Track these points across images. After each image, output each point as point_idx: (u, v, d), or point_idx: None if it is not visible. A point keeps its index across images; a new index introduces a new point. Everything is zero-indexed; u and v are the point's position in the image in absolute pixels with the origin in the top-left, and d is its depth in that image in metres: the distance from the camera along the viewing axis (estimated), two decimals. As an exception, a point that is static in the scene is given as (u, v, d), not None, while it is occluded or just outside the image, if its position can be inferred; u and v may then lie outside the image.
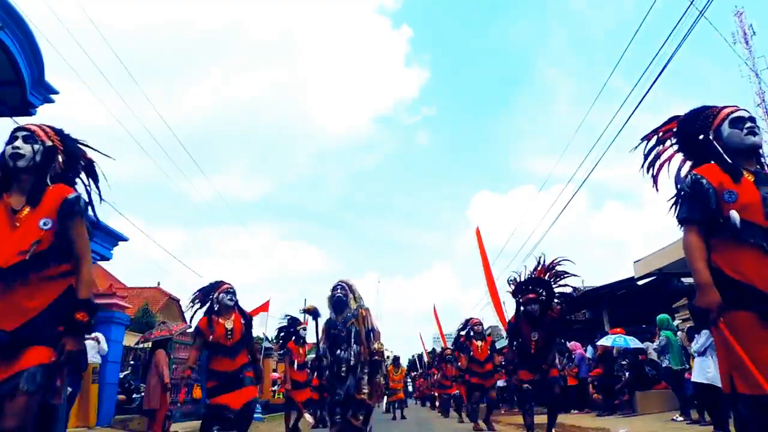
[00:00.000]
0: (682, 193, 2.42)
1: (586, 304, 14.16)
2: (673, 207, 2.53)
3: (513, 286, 5.85)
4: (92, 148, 2.70)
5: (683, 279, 11.42)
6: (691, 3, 6.72)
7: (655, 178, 2.77)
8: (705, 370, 6.11)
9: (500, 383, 12.20)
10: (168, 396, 7.73)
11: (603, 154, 11.39)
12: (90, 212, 2.61)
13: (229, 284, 5.35)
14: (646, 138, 2.82)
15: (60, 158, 2.52)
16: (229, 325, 5.08)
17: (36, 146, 2.39)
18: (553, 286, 5.71)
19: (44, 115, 8.18)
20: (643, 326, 12.93)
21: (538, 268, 5.81)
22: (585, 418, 9.47)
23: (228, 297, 5.19)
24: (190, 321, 5.45)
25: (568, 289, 5.84)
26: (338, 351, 5.15)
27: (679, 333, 8.74)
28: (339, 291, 5.35)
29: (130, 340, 11.70)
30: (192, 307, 5.40)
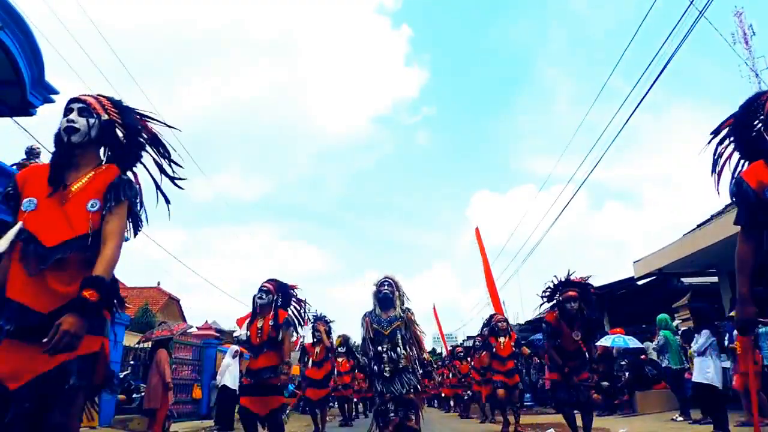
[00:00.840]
0: (732, 199, 2.31)
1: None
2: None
3: (549, 288, 5.71)
4: (155, 120, 2.45)
5: (683, 279, 11.45)
6: (691, 3, 6.73)
7: (717, 181, 2.58)
8: (705, 371, 6.12)
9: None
10: (169, 396, 7.71)
11: (603, 154, 11.45)
12: (167, 188, 2.44)
13: (267, 282, 5.39)
14: (714, 133, 2.62)
15: (119, 132, 2.31)
16: (260, 324, 5.16)
17: (92, 120, 2.20)
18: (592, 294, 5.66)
19: (44, 115, 8.19)
20: (643, 326, 12.94)
21: (579, 279, 5.77)
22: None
23: (258, 295, 5.28)
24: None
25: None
26: (380, 348, 5.10)
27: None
28: (386, 287, 5.31)
29: (130, 340, 11.69)
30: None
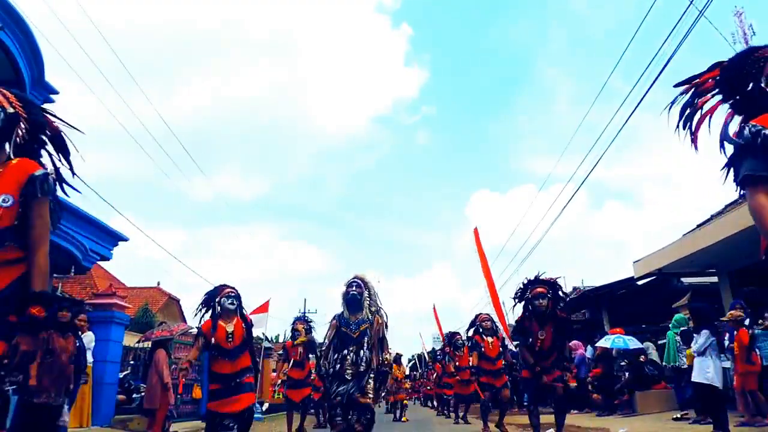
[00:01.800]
0: (742, 147, 2.05)
1: (586, 304, 14.17)
2: (727, 168, 2.17)
3: (519, 288, 5.73)
4: (59, 118, 2.39)
5: (683, 279, 11.44)
6: (691, 3, 6.72)
7: (693, 136, 2.41)
8: (705, 371, 6.11)
9: None
10: (169, 395, 7.70)
11: (603, 153, 11.44)
12: (59, 191, 2.33)
13: (231, 288, 5.40)
14: (682, 86, 2.46)
15: (22, 127, 2.20)
16: (230, 328, 5.16)
17: None
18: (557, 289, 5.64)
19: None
20: (643, 326, 12.94)
21: (541, 276, 5.77)
22: (585, 418, 9.46)
23: (229, 301, 5.26)
24: (200, 321, 5.43)
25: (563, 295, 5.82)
26: (345, 351, 5.00)
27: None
28: (354, 288, 5.18)
29: (130, 340, 11.69)
30: (199, 311, 5.43)
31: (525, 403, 13.92)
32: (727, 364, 7.12)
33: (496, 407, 8.25)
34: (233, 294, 5.33)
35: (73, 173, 2.41)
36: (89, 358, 8.09)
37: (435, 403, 18.09)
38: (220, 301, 5.28)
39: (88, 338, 7.73)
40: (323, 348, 5.45)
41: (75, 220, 7.69)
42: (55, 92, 8.06)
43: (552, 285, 5.58)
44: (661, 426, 7.51)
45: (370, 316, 5.11)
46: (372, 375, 5.00)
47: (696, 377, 6.29)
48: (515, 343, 9.41)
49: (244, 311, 5.51)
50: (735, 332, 6.68)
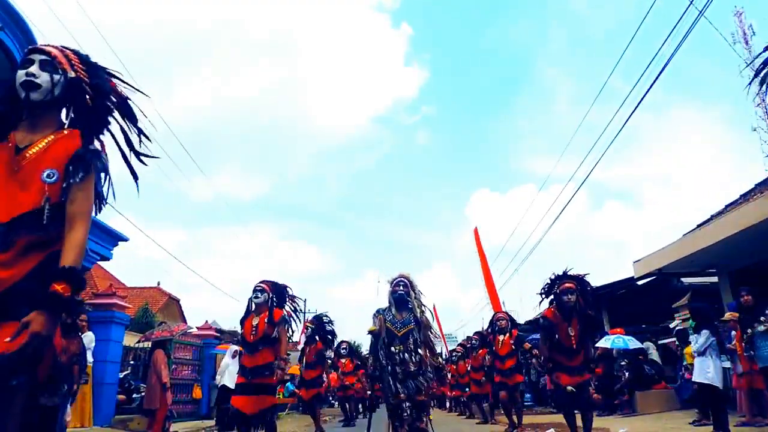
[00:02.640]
0: None
1: (586, 304, 14.15)
2: None
3: (547, 283, 5.54)
4: (126, 83, 2.13)
5: (683, 279, 11.44)
6: (691, 3, 6.73)
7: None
8: (705, 371, 6.12)
9: None
10: (167, 395, 7.70)
11: (603, 153, 11.41)
12: (135, 161, 2.12)
13: (260, 283, 5.44)
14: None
15: (86, 93, 1.97)
16: (255, 322, 5.22)
17: (56, 76, 1.88)
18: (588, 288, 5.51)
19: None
20: (643, 326, 12.95)
21: (569, 272, 5.61)
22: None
23: (254, 295, 5.35)
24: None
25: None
26: (393, 348, 4.99)
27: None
28: (401, 288, 5.19)
29: (130, 340, 11.69)
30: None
31: (528, 404, 13.94)
32: (728, 365, 7.12)
33: (512, 406, 8.21)
34: (259, 288, 5.37)
35: (144, 138, 2.15)
36: (89, 358, 8.09)
37: (448, 404, 18.02)
38: (252, 296, 5.39)
39: (88, 338, 7.71)
40: (370, 344, 5.38)
41: (75, 220, 7.67)
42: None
43: (580, 281, 5.44)
44: (661, 426, 7.51)
45: (416, 316, 5.11)
46: (428, 374, 5.03)
47: (696, 377, 6.29)
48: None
49: (281, 305, 5.49)
50: (733, 332, 6.69)
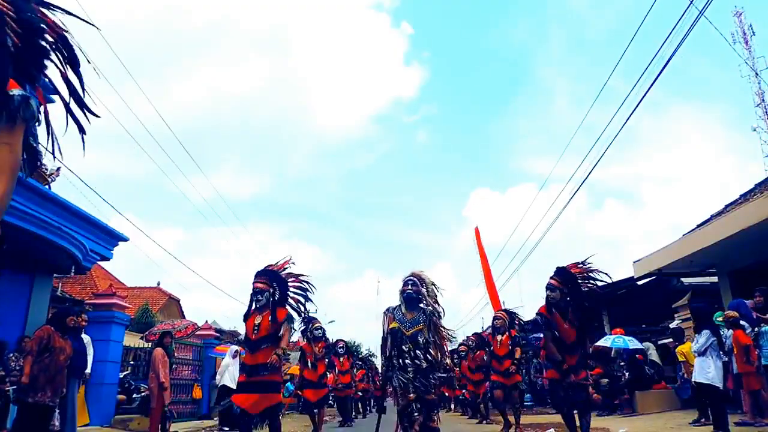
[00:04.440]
0: None
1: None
2: None
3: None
4: (63, 10, 1.76)
5: (683, 279, 11.44)
6: (691, 3, 6.73)
7: None
8: (705, 370, 6.12)
9: None
10: (165, 395, 7.64)
11: (603, 153, 11.37)
12: (81, 116, 1.81)
13: (258, 282, 5.34)
14: None
15: (11, 31, 1.58)
16: (257, 320, 5.16)
17: None
18: (579, 281, 5.32)
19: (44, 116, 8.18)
20: (643, 326, 12.94)
21: (573, 264, 5.47)
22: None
23: (255, 298, 5.28)
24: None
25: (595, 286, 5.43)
26: (403, 348, 4.89)
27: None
28: (410, 287, 5.07)
29: (130, 340, 11.70)
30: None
31: (528, 403, 13.92)
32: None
33: (510, 406, 8.17)
34: (258, 289, 5.29)
35: (83, 91, 1.85)
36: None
37: (452, 405, 18.02)
38: (252, 295, 5.32)
39: (84, 340, 7.72)
40: (381, 342, 5.26)
41: (75, 220, 7.68)
42: (56, 92, 8.06)
43: (566, 275, 5.28)
44: (661, 426, 7.51)
45: (427, 317, 4.99)
46: (437, 374, 4.94)
47: (696, 377, 6.29)
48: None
49: (284, 304, 5.41)
50: (730, 331, 6.70)
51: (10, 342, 6.79)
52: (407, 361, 4.85)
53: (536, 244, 24.76)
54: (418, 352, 4.85)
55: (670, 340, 10.89)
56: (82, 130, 1.85)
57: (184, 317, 25.21)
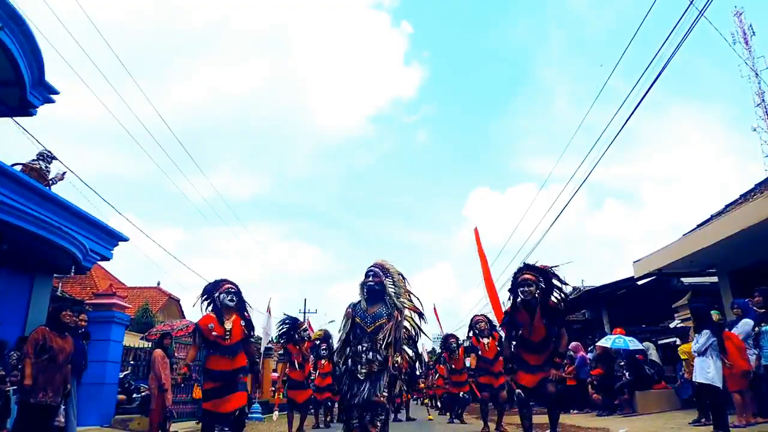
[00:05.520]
0: None
1: (586, 304, 14.18)
2: None
3: (512, 276, 5.27)
4: None
5: (683, 279, 11.45)
6: (691, 3, 6.72)
7: None
8: (705, 370, 6.11)
9: None
10: (165, 396, 7.64)
11: (603, 154, 11.36)
12: None
13: (230, 284, 5.22)
14: None
15: None
16: (228, 325, 4.98)
17: None
18: (549, 274, 5.10)
19: (44, 115, 8.20)
20: (643, 326, 12.95)
21: (535, 264, 5.29)
22: (585, 418, 9.47)
23: (228, 297, 5.09)
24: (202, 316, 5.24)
25: (563, 286, 5.25)
26: (359, 346, 4.60)
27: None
28: (371, 279, 4.75)
29: (130, 340, 11.70)
30: (200, 304, 5.24)
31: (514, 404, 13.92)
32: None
33: (495, 407, 8.22)
34: (233, 290, 5.15)
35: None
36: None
37: (438, 404, 18.08)
38: (220, 296, 5.10)
39: None
40: (338, 341, 5.03)
41: (75, 220, 7.68)
42: (56, 92, 8.06)
43: (543, 272, 5.07)
44: (661, 426, 7.51)
45: (389, 311, 4.67)
46: (388, 376, 4.62)
47: (696, 377, 6.29)
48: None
49: (247, 308, 5.32)
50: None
51: (10, 342, 6.79)
52: (362, 361, 4.55)
53: (536, 244, 24.74)
54: (376, 350, 4.56)
55: (673, 339, 10.90)
56: None
57: (184, 317, 25.21)
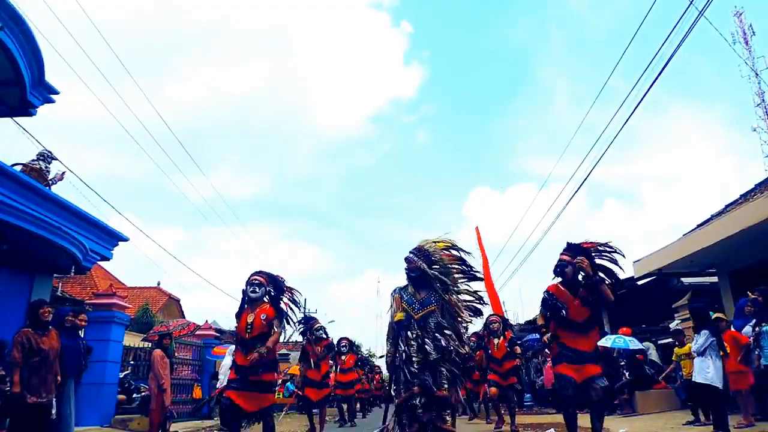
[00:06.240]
0: None
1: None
2: None
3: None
4: None
5: (683, 279, 11.44)
6: (691, 3, 6.73)
7: None
8: (705, 371, 6.11)
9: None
10: (164, 397, 7.62)
11: (603, 153, 11.36)
12: None
13: (256, 275, 5.17)
14: None
15: None
16: (250, 318, 4.95)
17: None
18: (593, 254, 4.72)
19: (44, 115, 8.21)
20: (643, 326, 12.93)
21: (585, 241, 4.85)
22: (585, 418, 9.46)
23: (251, 289, 5.05)
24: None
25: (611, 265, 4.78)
26: (409, 333, 4.32)
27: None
28: (407, 266, 4.52)
29: (130, 340, 11.69)
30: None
31: (528, 403, 13.84)
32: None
33: (499, 403, 8.23)
34: (256, 282, 5.08)
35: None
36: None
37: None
38: (246, 288, 5.07)
39: None
40: (387, 331, 4.68)
41: (75, 220, 7.68)
42: (56, 92, 8.06)
43: (585, 252, 4.63)
44: (661, 426, 7.51)
45: (438, 297, 4.41)
46: (447, 366, 4.29)
47: (696, 377, 6.29)
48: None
49: (280, 300, 5.20)
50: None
51: (10, 342, 6.78)
52: (414, 349, 4.24)
53: (536, 244, 24.76)
54: (427, 339, 4.26)
55: (671, 340, 10.88)
56: None
57: (184, 317, 25.22)
